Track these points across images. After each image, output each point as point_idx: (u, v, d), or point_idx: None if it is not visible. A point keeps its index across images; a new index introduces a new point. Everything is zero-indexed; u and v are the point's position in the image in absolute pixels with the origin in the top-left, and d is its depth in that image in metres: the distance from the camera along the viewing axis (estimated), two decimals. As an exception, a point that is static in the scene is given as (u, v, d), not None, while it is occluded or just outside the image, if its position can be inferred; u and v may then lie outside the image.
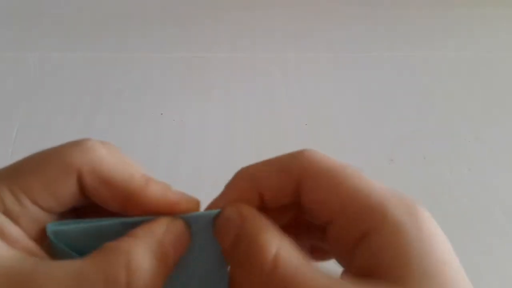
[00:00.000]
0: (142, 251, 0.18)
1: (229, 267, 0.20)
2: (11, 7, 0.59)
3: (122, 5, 0.61)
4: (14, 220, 0.18)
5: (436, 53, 0.57)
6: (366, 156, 0.44)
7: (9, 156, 0.43)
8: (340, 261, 0.19)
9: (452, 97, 0.52)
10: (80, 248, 0.19)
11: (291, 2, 0.63)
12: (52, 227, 0.19)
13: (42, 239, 0.19)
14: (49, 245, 0.19)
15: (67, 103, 0.49)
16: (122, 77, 0.52)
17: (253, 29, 0.59)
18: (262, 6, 0.62)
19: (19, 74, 0.52)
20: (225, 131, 0.47)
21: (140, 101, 0.49)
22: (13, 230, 0.18)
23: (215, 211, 0.20)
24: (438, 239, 0.17)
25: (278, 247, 0.17)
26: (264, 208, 0.20)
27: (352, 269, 0.18)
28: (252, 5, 0.62)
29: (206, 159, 0.45)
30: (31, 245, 0.19)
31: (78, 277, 0.16)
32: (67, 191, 0.20)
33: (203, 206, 0.21)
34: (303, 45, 0.57)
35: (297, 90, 0.51)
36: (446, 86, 0.53)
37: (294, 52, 0.56)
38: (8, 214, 0.18)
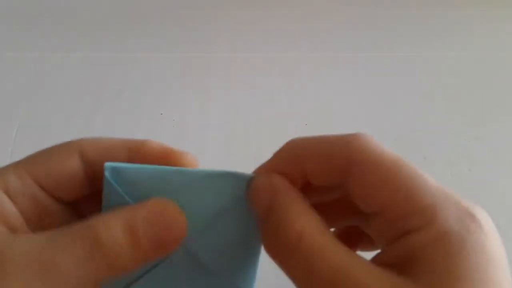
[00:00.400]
0: (111, 225, 0.18)
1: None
2: (11, 7, 0.59)
3: (122, 5, 0.61)
4: (12, 197, 0.19)
5: (436, 53, 0.57)
6: (366, 156, 0.44)
7: (9, 156, 0.43)
8: (377, 248, 0.19)
9: (452, 97, 0.52)
10: (135, 193, 0.20)
11: (291, 2, 0.63)
12: (111, 164, 0.20)
13: (41, 218, 0.20)
14: (54, 226, 0.20)
15: (67, 103, 0.49)
16: (122, 77, 0.52)
17: (253, 29, 0.59)
18: (262, 6, 0.62)
19: (19, 74, 0.52)
20: (225, 131, 0.47)
21: (140, 101, 0.49)
22: (5, 206, 0.19)
23: (250, 175, 0.21)
24: (487, 256, 0.16)
25: (304, 222, 0.18)
26: (307, 184, 0.21)
27: (383, 260, 0.18)
28: (252, 5, 0.62)
29: (206, 159, 0.45)
30: (18, 222, 0.19)
31: (47, 252, 0.17)
32: (70, 171, 0.21)
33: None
34: (303, 45, 0.57)
35: (297, 90, 0.51)
36: (446, 86, 0.53)
37: (294, 52, 0.56)
38: (7, 190, 0.19)
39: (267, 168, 0.21)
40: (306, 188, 0.21)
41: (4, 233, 0.18)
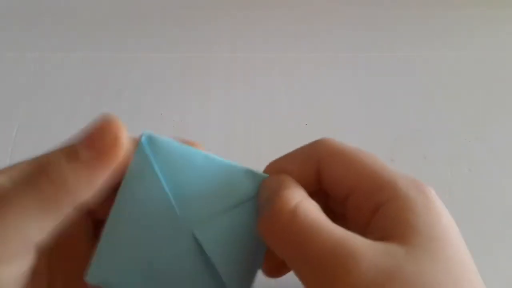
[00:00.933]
0: (51, 153, 0.18)
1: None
2: (11, 7, 0.59)
3: (122, 5, 0.61)
4: None
5: (436, 53, 0.57)
6: (366, 156, 0.44)
7: (9, 156, 0.43)
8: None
9: (452, 97, 0.52)
10: (163, 165, 0.21)
11: (291, 2, 0.63)
12: (148, 132, 0.21)
13: None
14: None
15: (67, 103, 0.49)
16: (122, 77, 0.52)
17: (253, 29, 0.59)
18: (262, 6, 0.62)
19: (19, 74, 0.52)
20: (225, 131, 0.47)
21: (140, 101, 0.49)
22: None
23: (264, 175, 0.22)
24: (442, 212, 0.19)
25: (299, 200, 0.19)
26: None
27: (369, 236, 0.19)
28: (252, 5, 0.62)
29: (206, 159, 0.44)
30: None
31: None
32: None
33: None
34: (303, 45, 0.57)
35: (297, 90, 0.51)
36: (446, 86, 0.53)
37: (294, 52, 0.56)
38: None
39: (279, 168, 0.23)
40: None
41: None
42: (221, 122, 0.48)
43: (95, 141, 0.19)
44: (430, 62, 0.56)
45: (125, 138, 0.19)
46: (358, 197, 0.20)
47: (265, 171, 0.23)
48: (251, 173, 0.22)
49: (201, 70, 0.53)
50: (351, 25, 0.60)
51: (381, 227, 0.19)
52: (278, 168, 0.23)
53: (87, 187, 0.18)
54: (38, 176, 0.17)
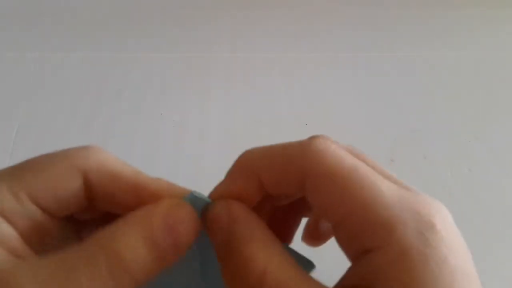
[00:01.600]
0: (131, 240, 0.16)
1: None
2: (11, 7, 0.59)
3: (122, 5, 0.61)
4: (9, 218, 0.18)
5: (436, 53, 0.57)
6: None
7: (9, 156, 0.43)
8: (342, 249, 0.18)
9: (452, 97, 0.52)
10: None
11: (291, 2, 0.63)
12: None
13: (41, 238, 0.19)
14: (53, 243, 0.19)
15: (67, 103, 0.49)
16: (122, 77, 0.52)
17: (253, 29, 0.59)
18: (262, 6, 0.62)
19: (19, 74, 0.52)
20: (225, 131, 0.47)
21: (140, 101, 0.49)
22: (3, 229, 0.18)
23: (207, 200, 0.20)
24: (451, 267, 0.15)
25: (267, 261, 0.17)
26: (267, 194, 0.20)
27: (349, 281, 0.17)
28: (252, 5, 0.62)
29: (206, 159, 0.45)
30: (20, 246, 0.18)
31: (60, 275, 0.15)
32: (70, 192, 0.19)
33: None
34: (303, 45, 0.57)
35: (297, 90, 0.51)
36: (446, 86, 0.53)
37: (294, 52, 0.56)
38: (3, 212, 0.18)
39: (223, 191, 0.20)
40: (267, 197, 0.20)
41: (7, 260, 0.16)
42: (221, 122, 0.48)
43: (180, 243, 0.17)
44: (430, 62, 0.56)
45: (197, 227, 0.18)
46: (345, 233, 0.17)
47: (237, 164, 0.21)
48: (189, 199, 0.19)
49: (201, 70, 0.53)
50: (351, 25, 0.60)
51: (363, 276, 0.16)
52: (252, 166, 0.20)
53: (156, 273, 0.17)
54: (114, 271, 0.16)
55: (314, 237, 0.24)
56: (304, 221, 0.25)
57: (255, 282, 0.16)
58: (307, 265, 0.20)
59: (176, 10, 0.61)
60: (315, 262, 0.20)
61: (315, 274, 0.19)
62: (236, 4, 0.62)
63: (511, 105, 0.52)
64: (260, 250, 0.17)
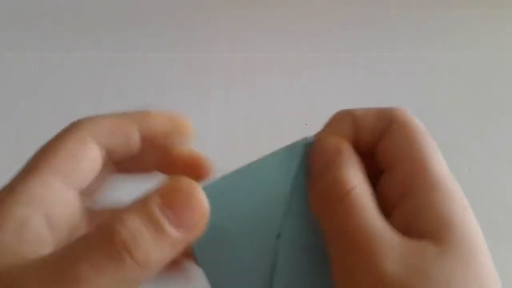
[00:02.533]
0: (130, 222, 0.16)
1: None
2: (11, 7, 0.59)
3: (122, 5, 0.61)
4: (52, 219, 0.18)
5: (436, 53, 0.57)
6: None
7: (9, 156, 0.43)
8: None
9: (452, 97, 0.52)
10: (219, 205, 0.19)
11: (291, 2, 0.63)
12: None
13: (71, 230, 0.19)
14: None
15: (67, 103, 0.49)
16: (122, 77, 0.52)
17: (253, 29, 0.59)
18: (262, 6, 0.62)
19: (19, 74, 0.52)
20: (225, 131, 0.47)
21: (140, 101, 0.49)
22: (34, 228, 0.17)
23: (310, 139, 0.22)
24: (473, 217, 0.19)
25: (356, 184, 0.19)
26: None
27: (393, 224, 0.18)
28: (252, 5, 0.62)
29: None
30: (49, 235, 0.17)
31: (63, 266, 0.15)
32: (93, 165, 0.20)
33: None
34: (303, 45, 0.57)
35: (297, 90, 0.51)
36: (446, 86, 0.53)
37: (294, 52, 0.56)
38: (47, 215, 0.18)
39: (325, 134, 0.22)
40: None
41: (14, 264, 0.16)
42: (221, 122, 0.48)
43: (184, 219, 0.17)
44: (430, 62, 0.56)
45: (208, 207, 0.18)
46: (395, 175, 0.20)
47: (337, 115, 0.23)
48: (288, 148, 0.22)
49: (201, 70, 0.53)
50: (351, 25, 0.60)
51: (404, 219, 0.18)
52: (352, 115, 0.22)
53: (166, 256, 0.17)
54: (120, 255, 0.15)
55: None
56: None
57: (340, 195, 0.18)
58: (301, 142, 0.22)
59: (176, 10, 0.61)
60: None
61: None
62: (236, 4, 0.62)
63: (511, 105, 0.52)
64: (352, 176, 0.19)
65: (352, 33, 0.59)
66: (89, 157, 0.20)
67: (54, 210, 0.18)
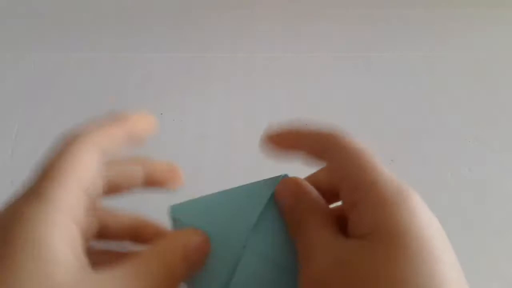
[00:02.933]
0: (152, 268, 0.20)
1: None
2: (11, 7, 0.59)
3: (122, 5, 0.61)
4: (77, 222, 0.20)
5: (436, 53, 0.57)
6: (366, 156, 0.44)
7: (9, 156, 0.43)
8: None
9: (452, 97, 0.52)
10: (194, 221, 0.23)
11: (292, 2, 0.63)
12: (174, 205, 0.24)
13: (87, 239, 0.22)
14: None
15: (67, 103, 0.49)
16: (122, 77, 0.52)
17: (253, 29, 0.59)
18: (262, 6, 0.62)
19: (19, 74, 0.52)
20: (225, 131, 0.47)
21: (140, 101, 0.49)
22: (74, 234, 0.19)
23: (279, 177, 0.24)
24: (421, 212, 0.19)
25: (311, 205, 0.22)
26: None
27: (347, 234, 0.21)
28: (252, 5, 0.62)
29: (206, 159, 0.45)
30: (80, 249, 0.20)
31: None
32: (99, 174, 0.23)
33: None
34: (303, 45, 0.57)
35: (297, 90, 0.51)
36: (446, 86, 0.53)
37: (294, 52, 0.56)
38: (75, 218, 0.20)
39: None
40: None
41: (78, 270, 0.18)
42: (221, 122, 0.48)
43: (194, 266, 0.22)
44: (430, 62, 0.56)
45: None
46: (343, 192, 0.22)
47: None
48: (265, 182, 0.24)
49: (201, 70, 0.53)
50: (351, 25, 0.60)
51: (354, 227, 0.20)
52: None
53: None
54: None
55: None
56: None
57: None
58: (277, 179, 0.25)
59: (176, 10, 0.61)
60: None
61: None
62: (236, 4, 0.61)
63: (511, 105, 0.52)
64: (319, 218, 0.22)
65: (352, 33, 0.59)
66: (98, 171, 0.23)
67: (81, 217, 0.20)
